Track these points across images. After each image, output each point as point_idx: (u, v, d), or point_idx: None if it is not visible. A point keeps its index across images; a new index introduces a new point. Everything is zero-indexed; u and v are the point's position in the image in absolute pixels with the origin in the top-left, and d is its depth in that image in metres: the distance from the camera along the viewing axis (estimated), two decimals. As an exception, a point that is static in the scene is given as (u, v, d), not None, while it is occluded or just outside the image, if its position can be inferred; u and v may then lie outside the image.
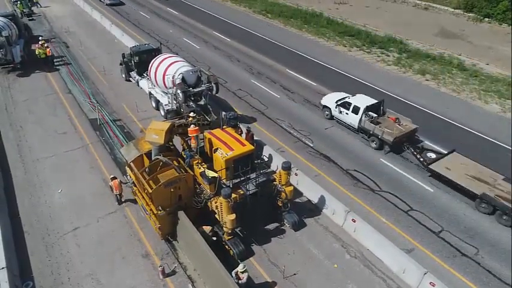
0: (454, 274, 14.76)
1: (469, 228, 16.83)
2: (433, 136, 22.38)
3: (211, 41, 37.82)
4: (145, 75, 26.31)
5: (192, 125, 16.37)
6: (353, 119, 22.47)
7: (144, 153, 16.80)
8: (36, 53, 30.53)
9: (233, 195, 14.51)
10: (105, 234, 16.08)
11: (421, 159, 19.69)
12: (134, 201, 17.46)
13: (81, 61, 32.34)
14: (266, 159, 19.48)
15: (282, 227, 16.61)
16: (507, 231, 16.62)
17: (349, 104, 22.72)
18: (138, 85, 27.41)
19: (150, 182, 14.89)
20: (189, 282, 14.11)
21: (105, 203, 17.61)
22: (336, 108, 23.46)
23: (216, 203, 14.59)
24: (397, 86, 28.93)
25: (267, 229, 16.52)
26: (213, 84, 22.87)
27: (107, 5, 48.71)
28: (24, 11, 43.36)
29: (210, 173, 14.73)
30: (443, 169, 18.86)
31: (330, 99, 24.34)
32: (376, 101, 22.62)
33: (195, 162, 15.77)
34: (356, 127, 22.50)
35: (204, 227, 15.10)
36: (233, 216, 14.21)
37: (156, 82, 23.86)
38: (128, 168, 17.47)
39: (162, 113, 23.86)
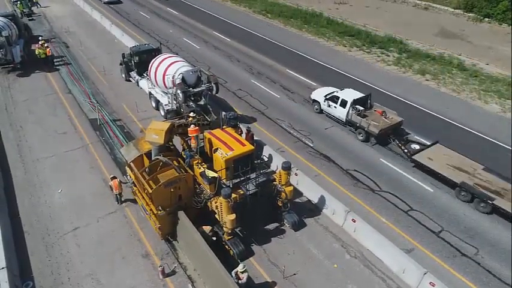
0: (454, 274, 14.77)
1: (469, 228, 16.83)
2: (433, 136, 22.34)
3: (211, 41, 37.83)
4: (145, 75, 26.31)
5: (192, 125, 16.38)
6: (341, 112, 23.11)
7: (144, 153, 16.80)
8: (36, 53, 30.53)
9: (233, 195, 14.52)
10: (105, 234, 16.09)
11: (405, 150, 20.42)
12: (134, 201, 17.47)
13: (81, 61, 32.35)
14: (266, 159, 19.49)
15: (282, 227, 16.61)
16: (507, 231, 16.63)
17: (337, 97, 23.38)
18: (138, 85, 27.41)
19: (150, 182, 14.90)
20: (189, 282, 14.12)
21: (105, 203, 17.62)
22: (324, 102, 24.15)
23: (216, 203, 14.60)
24: (397, 86, 28.94)
25: (267, 229, 16.52)
26: (213, 84, 22.87)
27: (104, 3, 48.80)
28: (24, 11, 43.37)
29: (210, 173, 14.74)
30: (425, 159, 19.52)
31: (319, 94, 24.96)
32: (364, 95, 23.25)
33: (195, 162, 15.77)
34: (344, 120, 23.16)
35: (204, 227, 15.10)
36: (233, 216, 14.21)
37: (156, 82, 23.86)
38: (127, 168, 17.48)
39: (162, 113, 23.86)
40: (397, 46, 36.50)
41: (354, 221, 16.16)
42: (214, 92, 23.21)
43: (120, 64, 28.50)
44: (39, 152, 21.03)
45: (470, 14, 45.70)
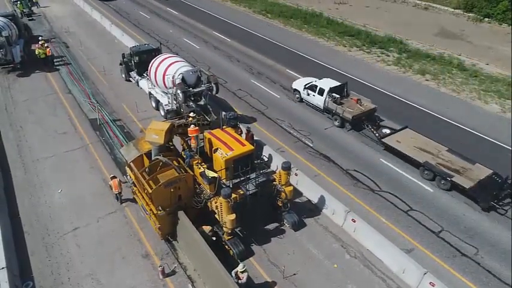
0: (454, 274, 14.77)
1: (468, 228, 16.84)
2: (433, 136, 22.33)
3: (211, 41, 37.83)
4: (145, 75, 26.31)
5: (192, 125, 16.38)
6: (319, 100, 24.57)
7: (144, 153, 16.80)
8: (36, 53, 30.53)
9: (233, 195, 14.53)
10: (105, 234, 16.09)
11: (376, 134, 21.87)
12: (134, 201, 17.47)
13: (81, 61, 32.36)
14: (266, 159, 19.47)
15: (282, 227, 16.61)
16: (507, 231, 16.64)
17: (316, 86, 24.83)
18: (138, 85, 27.41)
19: (150, 182, 14.89)
20: (189, 282, 14.13)
21: (105, 203, 17.63)
22: (304, 91, 25.66)
23: (216, 203, 14.60)
24: (397, 86, 28.94)
25: (267, 229, 16.52)
26: (213, 84, 22.88)
27: (100, 0, 48.69)
28: (24, 11, 43.38)
29: (210, 173, 14.74)
30: (394, 142, 20.98)
31: (300, 83, 26.44)
32: (340, 83, 24.66)
33: (195, 162, 15.77)
34: (322, 107, 24.60)
35: (204, 227, 15.11)
36: (233, 216, 14.22)
37: (156, 82, 23.87)
38: (127, 168, 17.48)
39: (162, 113, 23.86)
40: (397, 46, 36.48)
41: (354, 221, 16.16)
42: (214, 92, 23.21)
43: (120, 64, 28.50)
44: (39, 152, 21.04)
45: (470, 14, 45.69)
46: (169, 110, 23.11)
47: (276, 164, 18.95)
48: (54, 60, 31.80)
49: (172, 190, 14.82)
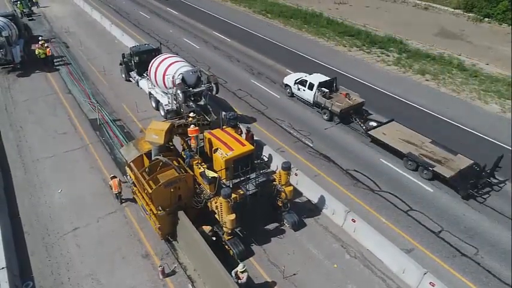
0: (454, 274, 14.77)
1: (468, 228, 16.84)
2: (433, 136, 22.33)
3: (211, 41, 37.83)
4: (145, 75, 26.31)
5: (192, 125, 16.38)
6: (309, 95, 25.28)
7: (144, 153, 16.80)
8: (36, 53, 30.53)
9: (233, 195, 14.53)
10: (105, 234, 16.09)
11: (363, 126, 22.53)
12: (134, 201, 17.47)
13: (81, 61, 32.36)
14: (266, 159, 19.48)
15: (282, 227, 16.61)
16: (507, 231, 16.64)
17: (306, 81, 25.49)
18: (138, 85, 27.41)
19: (150, 182, 14.90)
20: (189, 282, 14.13)
21: (105, 203, 17.63)
22: (294, 85, 26.31)
23: (216, 203, 14.60)
24: (397, 86, 28.94)
25: (267, 229, 16.53)
26: (213, 84, 22.87)
27: None
28: (24, 11, 43.39)
29: (210, 173, 14.74)
30: (380, 134, 21.64)
31: (291, 78, 27.06)
32: (329, 78, 25.31)
33: (195, 162, 15.77)
34: (311, 102, 25.27)
35: (204, 227, 15.11)
36: (233, 216, 14.22)
37: (156, 82, 23.87)
38: (127, 168, 17.48)
39: (162, 113, 23.87)
40: (397, 46, 36.50)
41: (354, 221, 16.16)
42: (214, 92, 23.21)
43: (120, 64, 28.50)
44: (39, 152, 21.04)
45: (470, 14, 45.71)
46: (169, 110, 23.11)
47: (276, 164, 18.95)
48: (54, 60, 31.81)
49: (172, 190, 14.82)
